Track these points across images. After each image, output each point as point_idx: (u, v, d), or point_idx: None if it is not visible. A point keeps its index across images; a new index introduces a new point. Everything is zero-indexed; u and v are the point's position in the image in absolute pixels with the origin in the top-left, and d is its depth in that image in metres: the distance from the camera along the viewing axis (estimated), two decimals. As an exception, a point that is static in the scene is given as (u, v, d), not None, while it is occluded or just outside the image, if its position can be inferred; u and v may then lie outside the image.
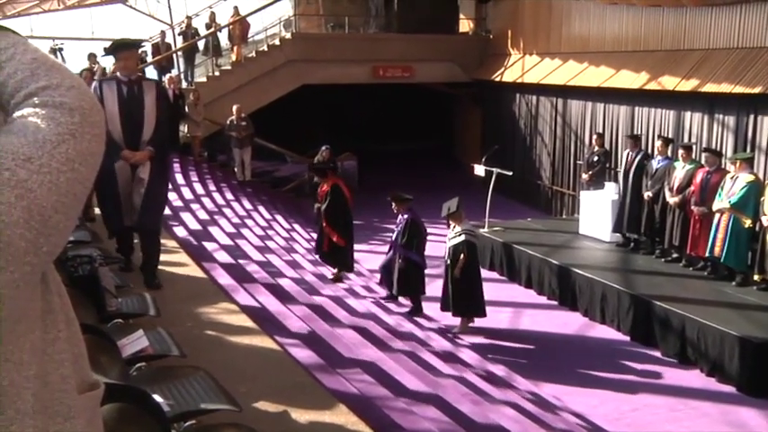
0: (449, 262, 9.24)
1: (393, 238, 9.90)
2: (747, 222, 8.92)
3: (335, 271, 10.66)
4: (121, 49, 5.90)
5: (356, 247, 11.23)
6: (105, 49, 6.08)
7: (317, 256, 11.15)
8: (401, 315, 9.43)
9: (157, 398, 2.85)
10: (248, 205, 14.26)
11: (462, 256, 9.02)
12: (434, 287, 9.80)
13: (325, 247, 10.52)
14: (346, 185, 10.97)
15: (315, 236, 11.82)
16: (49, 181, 0.99)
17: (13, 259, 0.97)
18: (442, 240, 13.92)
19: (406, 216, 9.68)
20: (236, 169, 16.24)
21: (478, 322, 9.61)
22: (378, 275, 10.56)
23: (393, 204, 9.78)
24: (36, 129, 1.01)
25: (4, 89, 1.06)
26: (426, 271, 9.84)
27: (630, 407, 7.39)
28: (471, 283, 9.17)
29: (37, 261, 1.01)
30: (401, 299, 10.02)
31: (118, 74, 5.93)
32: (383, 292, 10.34)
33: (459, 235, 9.17)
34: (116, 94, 5.77)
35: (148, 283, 5.89)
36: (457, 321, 9.43)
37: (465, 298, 9.19)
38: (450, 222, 9.37)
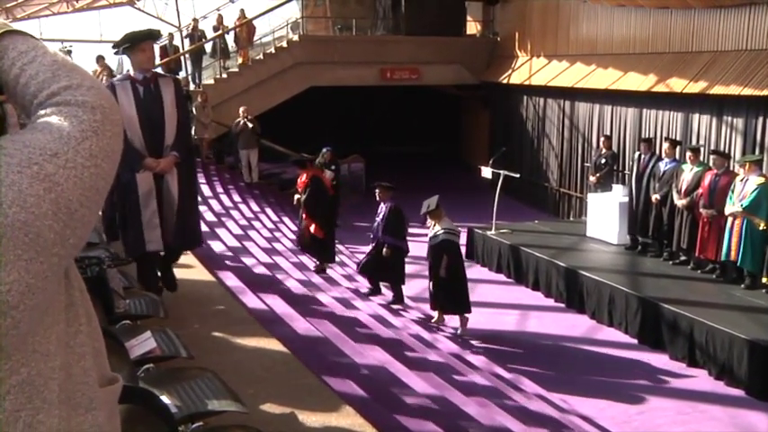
0: (431, 261, 9.24)
1: (374, 228, 9.94)
2: (761, 224, 8.87)
3: (318, 263, 10.68)
4: (140, 40, 5.17)
5: (363, 248, 11.24)
6: (119, 42, 5.23)
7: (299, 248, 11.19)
8: (405, 317, 9.43)
9: (165, 399, 2.85)
10: (255, 207, 14.28)
11: (445, 256, 9.01)
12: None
13: (307, 238, 10.53)
14: (326, 178, 11.08)
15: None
16: (74, 176, 1.03)
17: (42, 250, 1.00)
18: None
19: (388, 204, 9.82)
20: (243, 171, 16.28)
21: (485, 324, 9.60)
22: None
23: (377, 192, 9.99)
24: (60, 126, 1.05)
25: (26, 90, 1.09)
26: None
27: (638, 410, 7.37)
28: (456, 281, 9.14)
29: (64, 253, 1.04)
30: (382, 290, 10.12)
31: (131, 72, 5.22)
32: (387, 294, 10.33)
33: (440, 233, 9.16)
34: (132, 96, 5.10)
35: (169, 286, 5.55)
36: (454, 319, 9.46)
37: (451, 296, 9.17)
38: (430, 221, 9.36)
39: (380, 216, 9.85)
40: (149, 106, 5.14)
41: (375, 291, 10.24)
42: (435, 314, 9.58)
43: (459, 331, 9.33)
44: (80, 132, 1.05)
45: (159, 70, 5.01)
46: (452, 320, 9.64)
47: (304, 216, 10.52)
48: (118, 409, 1.26)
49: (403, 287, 10.11)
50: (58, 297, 1.09)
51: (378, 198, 10.06)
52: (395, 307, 9.78)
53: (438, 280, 9.09)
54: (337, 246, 12.49)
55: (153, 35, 5.47)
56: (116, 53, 5.41)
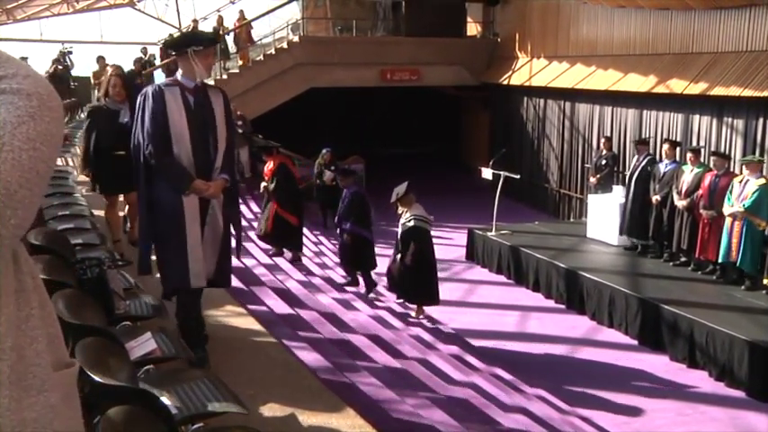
0: (400, 249, 9.07)
1: (338, 214, 9.84)
2: (762, 225, 8.88)
3: (275, 251, 10.47)
4: (200, 41, 4.47)
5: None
6: (173, 41, 4.84)
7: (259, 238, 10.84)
8: (407, 319, 9.42)
9: (165, 400, 2.85)
10: (255, 208, 14.29)
11: (413, 243, 8.87)
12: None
13: (269, 228, 10.24)
14: (294, 165, 10.97)
15: (308, 233, 11.77)
16: (12, 158, 1.04)
17: None
18: (446, 243, 13.97)
19: (351, 190, 9.66)
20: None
21: (485, 326, 9.59)
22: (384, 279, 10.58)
23: (338, 179, 9.94)
24: None
25: None
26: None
27: (638, 411, 7.36)
28: (423, 270, 9.00)
29: (6, 233, 1.05)
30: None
31: (180, 78, 4.45)
32: (390, 296, 10.32)
33: (409, 221, 8.99)
34: (182, 106, 4.36)
35: (198, 350, 4.41)
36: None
37: (417, 285, 9.01)
38: (401, 208, 9.19)
39: (344, 202, 9.66)
40: (200, 120, 4.42)
41: (351, 282, 10.09)
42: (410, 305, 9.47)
43: (412, 316, 9.24)
44: (16, 118, 1.06)
45: (179, 76, 4.48)
46: (453, 321, 9.63)
47: (273, 204, 10.21)
48: (77, 393, 1.29)
49: (373, 273, 9.96)
50: (6, 281, 1.11)
51: (340, 185, 9.92)
52: (371, 296, 9.74)
53: (405, 268, 8.91)
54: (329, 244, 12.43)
55: (211, 39, 4.75)
56: (173, 53, 4.68)
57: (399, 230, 9.13)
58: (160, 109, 4.31)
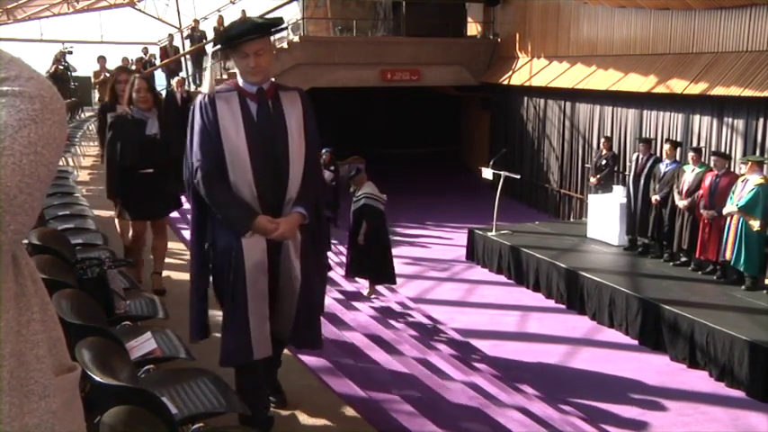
0: (351, 227, 9.04)
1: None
2: (756, 225, 8.88)
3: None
4: (251, 31, 3.30)
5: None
6: (221, 35, 3.59)
7: None
8: (406, 318, 9.42)
9: (166, 400, 2.85)
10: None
11: (365, 222, 8.82)
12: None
13: None
14: None
15: None
16: (12, 162, 1.02)
17: None
18: (447, 244, 13.98)
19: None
20: None
21: (485, 326, 9.59)
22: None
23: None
24: None
25: None
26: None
27: (639, 411, 7.36)
28: (376, 248, 8.95)
29: (5, 239, 1.04)
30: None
31: (240, 81, 3.44)
32: (391, 296, 10.32)
33: (360, 199, 8.97)
34: (240, 116, 3.37)
35: (276, 398, 3.95)
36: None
37: (369, 261, 8.98)
38: (353, 187, 9.18)
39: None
40: (266, 135, 3.40)
41: (371, 291, 10.11)
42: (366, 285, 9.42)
43: (366, 293, 9.22)
44: (17, 121, 1.04)
45: (239, 78, 3.51)
46: (453, 321, 9.63)
47: None
48: (78, 398, 1.28)
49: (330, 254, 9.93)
50: (6, 285, 1.10)
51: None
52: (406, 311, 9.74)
53: (357, 246, 8.87)
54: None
55: (264, 27, 3.40)
56: (220, 48, 3.66)
57: (351, 209, 9.14)
58: (210, 123, 3.33)
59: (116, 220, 6.45)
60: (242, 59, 3.34)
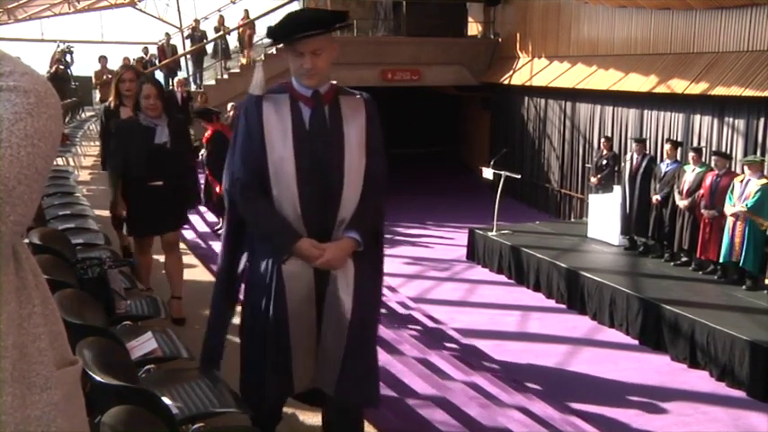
0: None
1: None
2: (765, 225, 8.89)
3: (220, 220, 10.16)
4: (308, 26, 2.81)
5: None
6: (273, 29, 2.92)
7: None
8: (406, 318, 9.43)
9: (166, 400, 2.85)
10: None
11: None
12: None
13: (214, 197, 9.89)
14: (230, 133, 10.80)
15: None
16: (10, 154, 1.04)
17: None
18: (447, 243, 13.98)
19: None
20: None
21: (485, 325, 9.58)
22: None
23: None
24: None
25: None
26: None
27: (639, 411, 7.36)
28: None
29: (5, 230, 1.05)
30: None
31: (295, 83, 2.96)
32: (391, 295, 10.33)
33: None
34: (289, 123, 2.89)
35: None
36: None
37: None
38: None
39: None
40: (317, 145, 2.91)
41: None
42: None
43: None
44: (13, 114, 1.06)
45: (293, 79, 2.99)
46: (453, 321, 9.63)
47: (207, 173, 9.93)
48: (80, 391, 1.29)
49: None
50: (7, 278, 1.11)
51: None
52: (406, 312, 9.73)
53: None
54: None
55: (337, 19, 3.01)
56: (275, 43, 3.12)
57: None
58: (254, 128, 2.89)
59: (118, 234, 6.02)
60: (296, 59, 2.87)
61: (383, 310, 9.21)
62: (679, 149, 11.06)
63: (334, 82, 3.06)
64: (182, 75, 18.04)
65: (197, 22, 19.68)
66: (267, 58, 18.51)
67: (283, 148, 2.86)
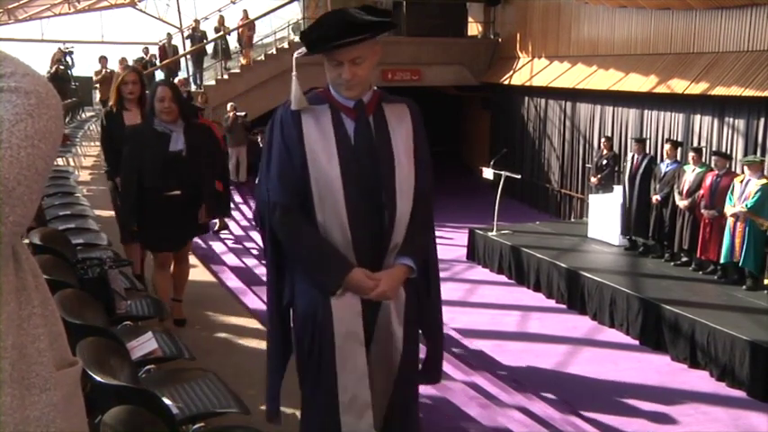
0: None
1: None
2: (765, 225, 8.89)
3: (217, 221, 10.36)
4: (347, 33, 2.41)
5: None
6: (307, 35, 2.54)
7: None
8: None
9: (166, 400, 2.85)
10: (257, 208, 14.29)
11: None
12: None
13: None
14: (217, 130, 10.89)
15: None
16: (10, 155, 1.04)
17: None
18: (447, 243, 13.97)
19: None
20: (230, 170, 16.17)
21: (486, 325, 9.57)
22: None
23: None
24: None
25: None
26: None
27: (639, 411, 7.36)
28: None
29: (5, 230, 1.05)
30: None
31: (332, 91, 2.61)
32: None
33: None
34: (333, 139, 2.55)
35: None
36: None
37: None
38: None
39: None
40: (365, 161, 2.57)
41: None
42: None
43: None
44: (14, 115, 1.06)
45: (331, 88, 2.63)
46: (453, 321, 9.62)
47: None
48: (80, 392, 1.29)
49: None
50: (7, 279, 1.11)
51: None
52: None
53: None
54: None
55: (379, 24, 2.50)
56: (309, 51, 2.60)
57: None
58: (293, 145, 2.56)
59: (125, 250, 5.70)
60: (333, 68, 2.52)
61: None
62: (679, 149, 11.06)
63: (376, 88, 2.68)
64: (182, 75, 18.02)
65: (197, 22, 19.68)
66: (267, 58, 18.57)
67: (329, 166, 2.51)
